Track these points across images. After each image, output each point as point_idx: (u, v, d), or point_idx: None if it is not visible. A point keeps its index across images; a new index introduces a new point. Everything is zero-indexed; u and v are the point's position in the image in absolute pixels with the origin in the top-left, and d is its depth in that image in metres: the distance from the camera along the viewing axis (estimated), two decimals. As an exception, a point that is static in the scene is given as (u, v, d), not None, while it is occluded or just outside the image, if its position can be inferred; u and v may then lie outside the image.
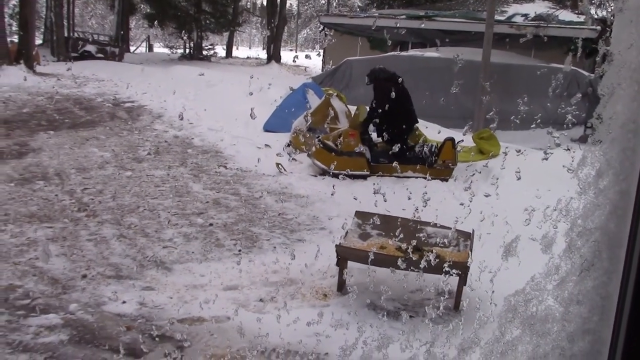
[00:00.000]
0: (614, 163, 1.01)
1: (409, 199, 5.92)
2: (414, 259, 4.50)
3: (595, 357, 1.02)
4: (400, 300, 4.71)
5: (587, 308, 1.04)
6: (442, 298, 4.57)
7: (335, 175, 8.32)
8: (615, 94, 1.02)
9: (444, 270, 4.33)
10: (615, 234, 1.01)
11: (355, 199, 6.04)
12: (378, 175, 8.51)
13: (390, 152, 8.46)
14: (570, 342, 1.05)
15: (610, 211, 1.01)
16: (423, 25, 19.44)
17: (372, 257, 4.35)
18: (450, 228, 5.10)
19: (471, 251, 4.69)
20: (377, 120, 8.74)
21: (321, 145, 8.69)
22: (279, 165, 8.92)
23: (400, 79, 8.57)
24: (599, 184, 1.04)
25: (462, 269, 4.31)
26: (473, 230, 4.95)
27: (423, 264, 4.28)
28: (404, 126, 8.65)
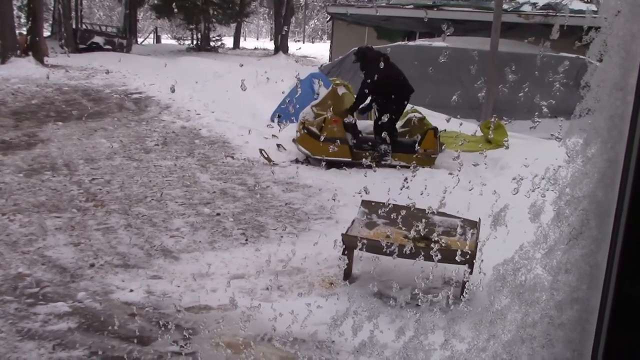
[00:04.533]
0: (601, 131, 1.00)
1: (411, 181, 5.91)
2: (419, 247, 4.51)
3: (583, 326, 1.02)
4: (406, 288, 4.71)
5: (575, 277, 1.03)
6: (448, 286, 4.58)
7: (318, 161, 8.47)
8: (603, 62, 1.02)
9: (450, 259, 4.34)
10: (603, 202, 1.00)
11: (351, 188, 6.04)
12: (361, 162, 8.52)
13: (374, 139, 8.54)
14: (558, 310, 1.05)
15: (598, 179, 1.01)
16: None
17: (378, 246, 4.36)
18: (457, 217, 5.10)
19: (478, 239, 4.69)
20: (369, 100, 8.75)
21: (306, 132, 8.71)
22: (262, 152, 8.97)
23: (386, 55, 8.68)
24: (587, 152, 1.03)
25: (468, 258, 4.31)
26: (479, 219, 4.95)
27: (429, 252, 4.28)
28: (399, 101, 8.61)
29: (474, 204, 4.83)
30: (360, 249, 4.79)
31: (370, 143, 8.69)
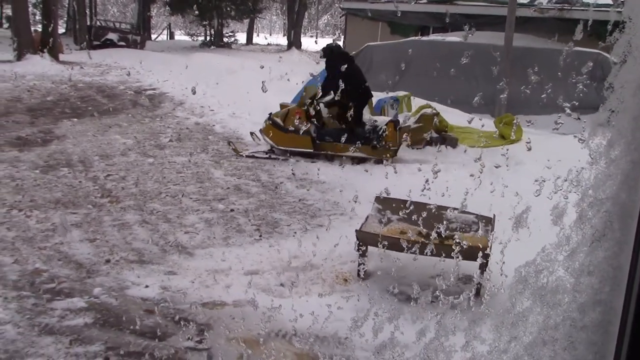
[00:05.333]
0: (625, 132, 0.99)
1: (424, 178, 5.88)
2: (434, 244, 4.49)
3: (606, 328, 1.01)
4: (421, 285, 4.69)
5: (598, 279, 1.02)
6: (463, 283, 4.56)
7: (284, 152, 8.88)
8: (627, 62, 1.00)
9: (465, 255, 4.32)
10: (626, 204, 0.99)
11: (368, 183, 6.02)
12: (323, 153, 8.86)
13: (337, 131, 8.78)
14: (581, 313, 1.04)
15: (621, 181, 0.99)
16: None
17: (392, 243, 4.35)
18: (471, 213, 5.07)
19: (492, 236, 4.66)
20: (331, 96, 8.86)
21: (270, 122, 8.97)
22: (230, 143, 9.40)
23: (352, 57, 9.02)
24: (610, 153, 1.02)
25: (483, 255, 4.28)
26: (494, 215, 4.92)
27: (444, 248, 4.27)
28: (356, 102, 8.79)
29: (490, 201, 4.80)
30: (374, 245, 4.79)
31: (333, 135, 8.88)
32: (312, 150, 8.86)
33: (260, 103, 11.62)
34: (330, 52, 9.01)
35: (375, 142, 8.65)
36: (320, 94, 8.93)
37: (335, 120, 9.12)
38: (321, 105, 8.96)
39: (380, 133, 8.68)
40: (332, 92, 8.70)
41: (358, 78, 8.81)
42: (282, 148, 8.92)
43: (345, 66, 8.25)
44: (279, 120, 8.95)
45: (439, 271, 4.67)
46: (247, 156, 8.94)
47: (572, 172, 1.10)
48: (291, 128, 8.72)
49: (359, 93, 8.79)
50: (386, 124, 8.74)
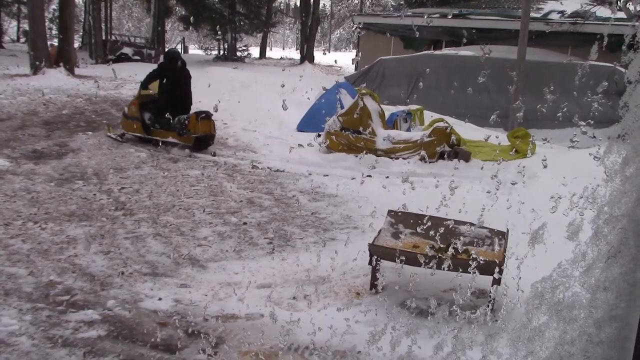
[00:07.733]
0: None
1: (441, 193, 5.86)
2: (447, 258, 4.47)
3: (622, 344, 1.00)
4: (434, 299, 4.68)
5: (614, 295, 1.02)
6: (477, 297, 4.53)
7: (121, 135, 10.64)
8: None
9: (478, 269, 4.29)
10: None
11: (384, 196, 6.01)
12: (153, 138, 10.26)
13: (164, 120, 10.07)
14: (597, 328, 1.03)
15: (637, 198, 0.99)
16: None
17: (405, 256, 4.33)
18: (485, 227, 5.05)
19: (506, 250, 4.63)
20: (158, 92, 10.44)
21: (123, 112, 10.98)
22: (109, 126, 11.24)
23: (183, 65, 10.48)
24: (625, 171, 1.01)
25: (497, 269, 4.25)
26: (507, 230, 4.89)
27: (457, 263, 4.25)
28: (168, 100, 10.16)
29: (504, 214, 4.78)
30: (387, 259, 4.78)
31: (160, 123, 10.28)
32: (144, 135, 10.33)
33: (272, 116, 11.70)
34: (168, 55, 10.90)
35: (179, 130, 9.93)
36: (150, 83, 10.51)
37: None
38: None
39: (183, 122, 9.93)
40: (146, 82, 10.44)
41: (178, 81, 10.32)
42: (125, 132, 10.61)
43: (168, 67, 10.23)
44: (126, 109, 10.71)
45: (452, 285, 4.66)
46: (107, 136, 10.76)
47: (588, 189, 1.10)
48: (130, 115, 10.49)
49: (174, 91, 10.24)
50: (189, 115, 9.97)
